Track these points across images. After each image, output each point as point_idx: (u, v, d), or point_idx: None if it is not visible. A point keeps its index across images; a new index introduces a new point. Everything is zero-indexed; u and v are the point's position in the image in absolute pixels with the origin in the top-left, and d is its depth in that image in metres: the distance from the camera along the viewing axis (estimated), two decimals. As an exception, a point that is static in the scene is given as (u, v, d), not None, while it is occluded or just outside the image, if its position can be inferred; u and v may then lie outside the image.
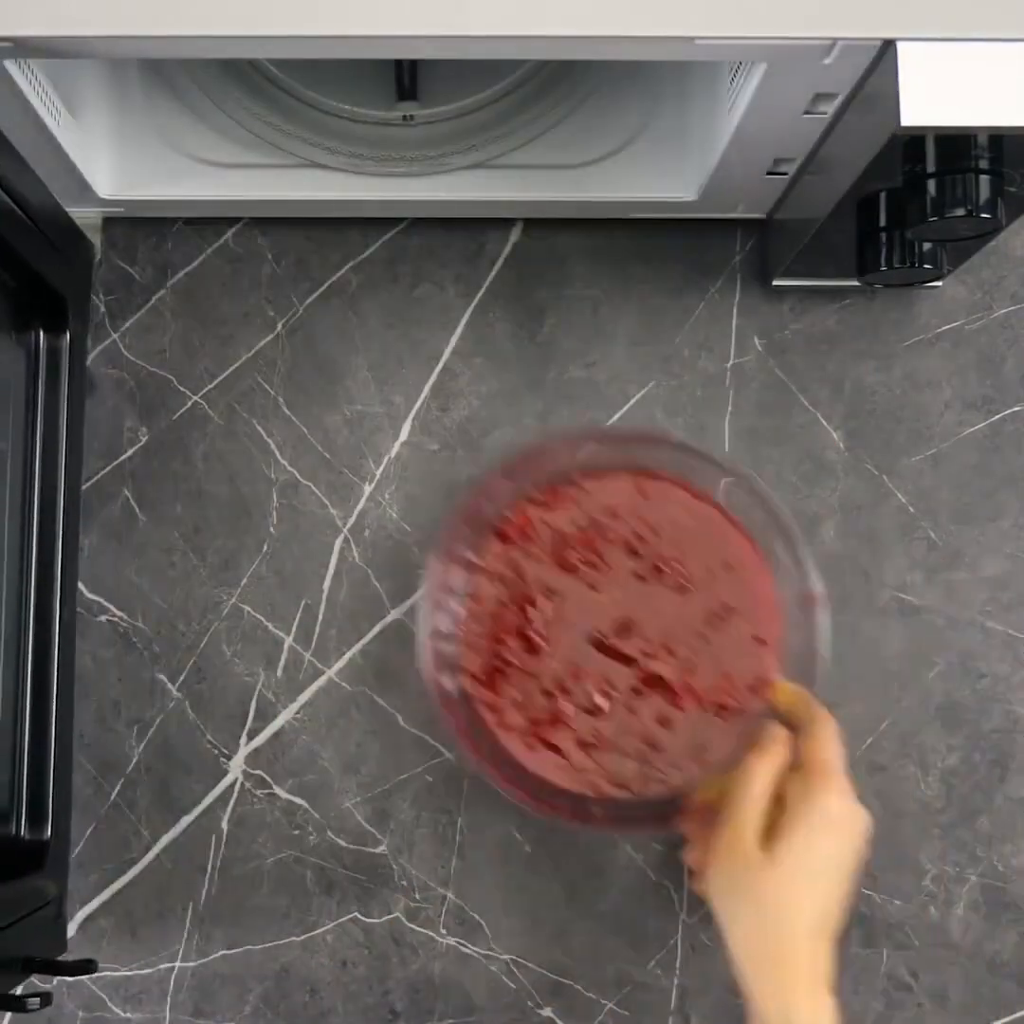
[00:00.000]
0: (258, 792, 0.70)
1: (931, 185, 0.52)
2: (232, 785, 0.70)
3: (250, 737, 0.70)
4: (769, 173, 0.63)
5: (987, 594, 0.72)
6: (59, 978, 0.68)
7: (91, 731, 0.70)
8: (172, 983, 0.69)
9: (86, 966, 0.60)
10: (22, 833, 0.62)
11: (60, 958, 0.62)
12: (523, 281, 0.73)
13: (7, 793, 0.62)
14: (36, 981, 0.68)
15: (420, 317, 0.73)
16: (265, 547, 0.71)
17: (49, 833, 0.63)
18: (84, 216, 0.69)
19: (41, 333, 0.64)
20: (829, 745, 0.60)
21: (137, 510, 0.72)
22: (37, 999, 0.55)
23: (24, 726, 0.62)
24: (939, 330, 0.73)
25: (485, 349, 0.73)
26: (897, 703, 0.71)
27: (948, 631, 0.71)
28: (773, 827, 0.58)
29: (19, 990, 0.59)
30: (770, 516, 0.66)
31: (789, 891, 0.57)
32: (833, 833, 0.58)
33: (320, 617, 0.71)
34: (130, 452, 0.72)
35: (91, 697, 0.70)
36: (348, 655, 0.71)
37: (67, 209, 0.65)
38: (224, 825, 0.70)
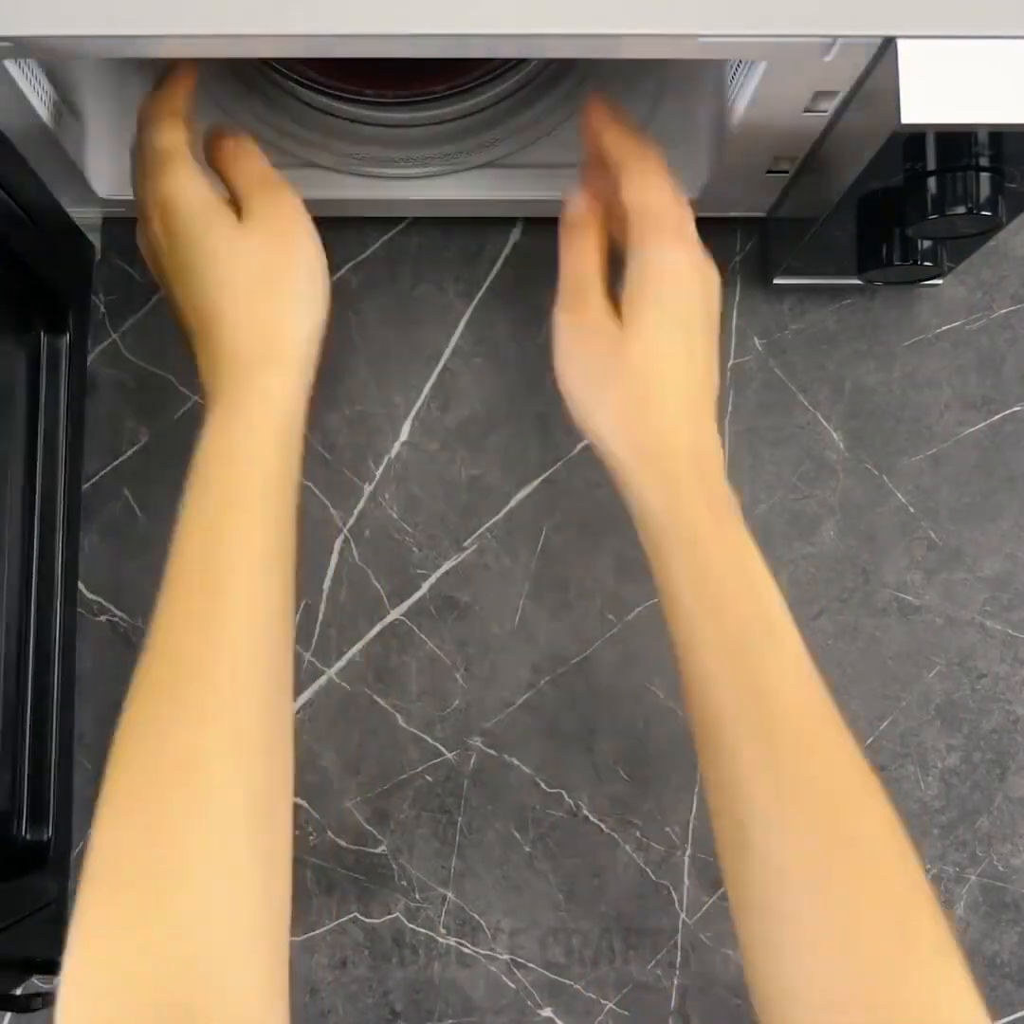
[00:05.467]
0: (258, 792, 0.70)
1: (931, 183, 0.52)
2: (232, 785, 0.70)
3: (250, 737, 0.70)
4: (769, 171, 0.63)
5: (987, 594, 0.72)
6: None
7: (91, 731, 0.70)
8: (172, 983, 0.69)
9: None
10: (23, 833, 0.62)
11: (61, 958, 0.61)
12: (523, 281, 0.73)
13: (8, 793, 0.61)
14: (37, 981, 0.67)
15: (420, 317, 0.73)
16: (265, 547, 0.71)
17: (50, 832, 0.62)
18: (84, 216, 0.69)
19: (42, 334, 0.64)
20: (649, 186, 0.51)
21: (137, 510, 0.72)
22: (40, 999, 0.55)
23: (25, 725, 0.62)
24: (939, 330, 0.73)
25: (485, 349, 0.73)
26: (897, 703, 0.71)
27: (947, 631, 0.71)
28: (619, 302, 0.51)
29: (20, 990, 0.59)
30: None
31: (653, 364, 0.50)
32: (677, 284, 0.50)
33: (320, 617, 0.71)
34: (130, 452, 0.72)
35: (91, 697, 0.70)
36: (348, 655, 0.71)
37: (67, 209, 0.65)
38: (224, 825, 0.70)
